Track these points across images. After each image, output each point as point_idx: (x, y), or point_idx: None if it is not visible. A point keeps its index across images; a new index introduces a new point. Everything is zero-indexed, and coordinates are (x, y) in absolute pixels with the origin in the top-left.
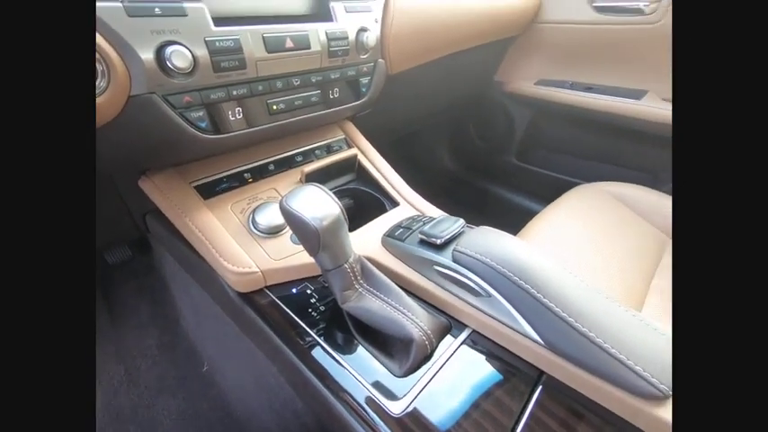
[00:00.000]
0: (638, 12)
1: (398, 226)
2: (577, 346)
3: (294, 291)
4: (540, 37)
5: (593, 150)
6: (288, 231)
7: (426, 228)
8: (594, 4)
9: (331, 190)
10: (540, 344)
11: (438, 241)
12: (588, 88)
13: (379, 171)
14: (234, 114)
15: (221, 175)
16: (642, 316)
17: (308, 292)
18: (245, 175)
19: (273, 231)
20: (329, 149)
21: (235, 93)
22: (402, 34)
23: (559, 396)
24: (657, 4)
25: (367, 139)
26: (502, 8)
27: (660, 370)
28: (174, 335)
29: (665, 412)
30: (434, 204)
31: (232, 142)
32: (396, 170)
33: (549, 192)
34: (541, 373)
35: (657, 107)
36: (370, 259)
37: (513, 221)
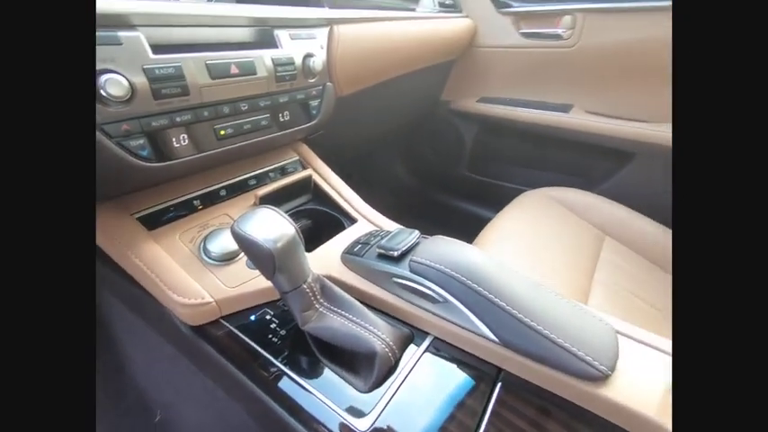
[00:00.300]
0: (558, 37)
1: (357, 242)
2: (527, 339)
3: (253, 318)
4: (477, 59)
5: (535, 159)
6: (243, 257)
7: (383, 242)
8: (521, 31)
9: (288, 211)
10: (495, 342)
11: (395, 253)
12: (523, 104)
13: (335, 190)
14: (179, 141)
15: (168, 204)
16: (583, 306)
17: (268, 317)
18: (195, 202)
19: (227, 258)
20: (283, 171)
21: (178, 119)
22: (348, 59)
23: (516, 389)
24: (572, 30)
25: (323, 159)
26: (439, 34)
27: (599, 352)
28: (119, 385)
29: (606, 390)
30: (393, 218)
31: (178, 169)
32: (353, 188)
33: (499, 199)
34: (499, 370)
35: (582, 119)
36: (330, 277)
37: (469, 229)
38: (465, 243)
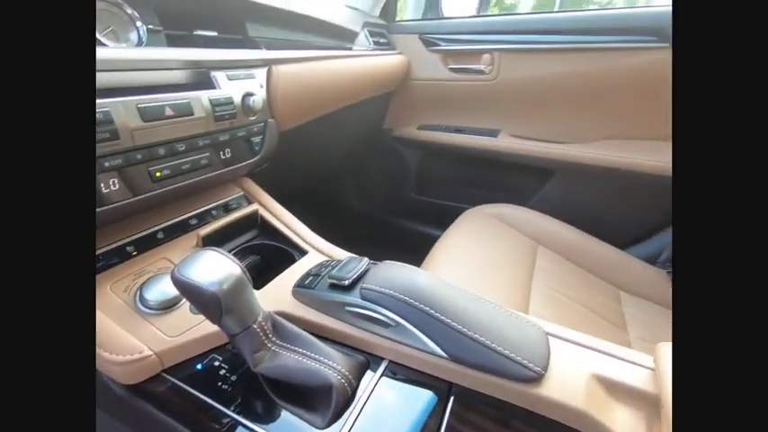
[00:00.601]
0: (481, 72)
1: (308, 274)
2: (471, 350)
3: (200, 366)
4: (414, 91)
5: (473, 179)
6: (186, 302)
7: (334, 272)
8: (449, 66)
9: (234, 249)
10: (445, 358)
11: (346, 282)
12: (459, 130)
13: (283, 223)
14: (108, 186)
15: (96, 254)
16: (518, 313)
17: (217, 364)
18: (128, 248)
19: (167, 305)
20: (227, 208)
21: (107, 164)
22: (289, 96)
23: (467, 400)
24: (492, 66)
25: (271, 191)
26: (376, 69)
27: (534, 355)
28: None
29: (542, 389)
30: (347, 245)
31: (109, 215)
32: (303, 218)
33: (445, 218)
34: (451, 384)
35: (509, 142)
36: (281, 313)
37: (420, 248)
38: (412, 266)
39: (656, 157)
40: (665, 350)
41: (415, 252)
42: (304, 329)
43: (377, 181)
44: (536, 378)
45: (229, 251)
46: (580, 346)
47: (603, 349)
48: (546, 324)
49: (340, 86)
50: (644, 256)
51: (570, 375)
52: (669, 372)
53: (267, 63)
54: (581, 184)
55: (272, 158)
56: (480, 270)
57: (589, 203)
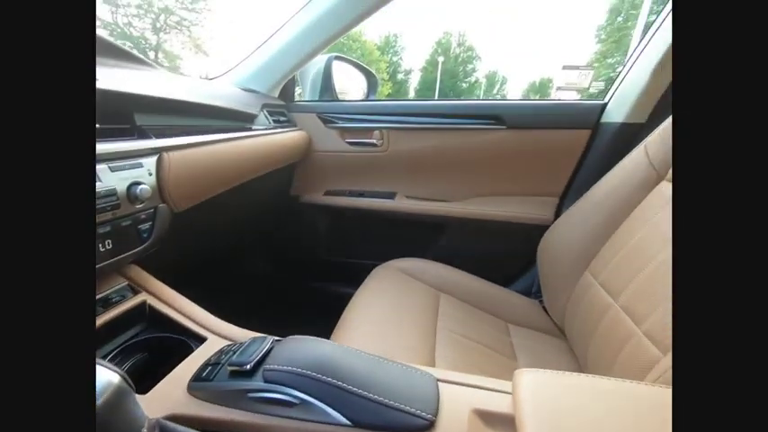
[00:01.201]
0: (374, 145)
1: (206, 364)
2: (370, 411)
3: None
4: (317, 161)
5: (379, 237)
6: None
7: (234, 357)
8: (346, 141)
9: (115, 349)
10: (349, 426)
11: (248, 367)
12: (361, 194)
13: (176, 310)
14: None
15: None
16: (410, 366)
17: None
18: None
19: None
20: (106, 303)
21: None
22: (182, 180)
23: None
24: (382, 140)
25: (171, 273)
26: (279, 144)
27: (426, 404)
28: None
29: None
30: (259, 318)
31: None
32: (213, 297)
33: (358, 275)
34: None
35: (405, 203)
36: (173, 416)
37: (338, 307)
38: (315, 338)
39: (514, 208)
40: (519, 375)
41: (334, 311)
42: (201, 430)
43: (288, 247)
44: (428, 425)
45: (107, 354)
46: (464, 386)
47: (482, 384)
48: (436, 371)
49: (240, 164)
50: (521, 289)
51: (456, 415)
52: (521, 393)
53: (157, 151)
54: (465, 235)
55: (164, 242)
56: (390, 325)
57: (475, 250)
